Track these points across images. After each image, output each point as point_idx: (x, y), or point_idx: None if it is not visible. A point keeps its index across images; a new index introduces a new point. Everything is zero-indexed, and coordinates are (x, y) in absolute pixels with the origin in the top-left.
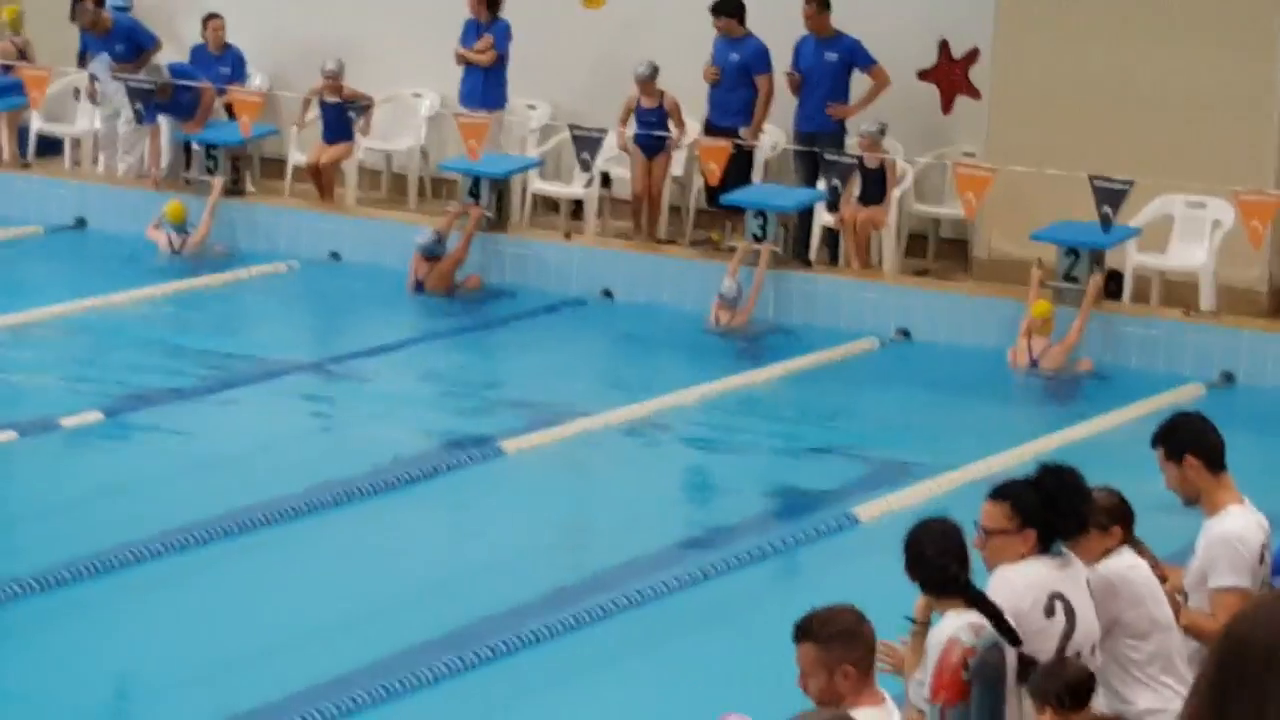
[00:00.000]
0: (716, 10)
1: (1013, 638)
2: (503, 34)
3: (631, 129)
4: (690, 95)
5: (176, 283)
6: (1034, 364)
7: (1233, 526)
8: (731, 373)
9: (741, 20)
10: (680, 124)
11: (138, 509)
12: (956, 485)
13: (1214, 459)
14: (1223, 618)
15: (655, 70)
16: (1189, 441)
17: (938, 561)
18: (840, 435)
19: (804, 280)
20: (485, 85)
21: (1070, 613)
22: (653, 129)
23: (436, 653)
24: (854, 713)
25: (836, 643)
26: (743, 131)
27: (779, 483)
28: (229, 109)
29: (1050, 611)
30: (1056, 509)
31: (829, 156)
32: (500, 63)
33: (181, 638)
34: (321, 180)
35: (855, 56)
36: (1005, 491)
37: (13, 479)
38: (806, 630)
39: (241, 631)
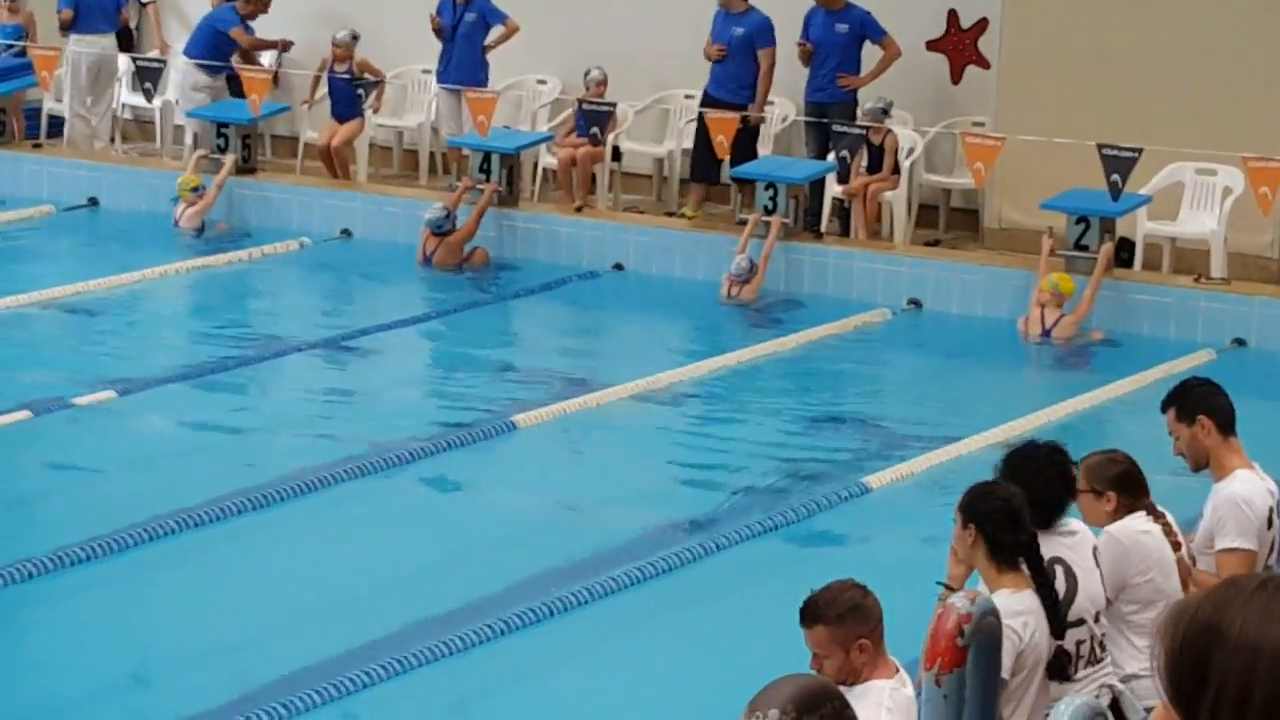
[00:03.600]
0: None
1: (1057, 629)
2: (485, 11)
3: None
4: (694, 68)
5: (188, 261)
6: (1046, 334)
7: (1240, 489)
8: (743, 344)
9: None
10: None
11: (152, 486)
12: (968, 453)
13: (1225, 422)
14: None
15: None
16: (1201, 403)
17: (1026, 527)
18: (852, 405)
19: (815, 252)
20: (467, 62)
21: (1071, 576)
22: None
23: (448, 626)
24: (870, 683)
25: (849, 619)
26: (750, 108)
27: (791, 453)
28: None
29: (1050, 576)
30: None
31: (837, 128)
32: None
33: (198, 613)
34: (332, 161)
35: (866, 28)
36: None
37: (28, 458)
38: (815, 613)
39: (256, 607)
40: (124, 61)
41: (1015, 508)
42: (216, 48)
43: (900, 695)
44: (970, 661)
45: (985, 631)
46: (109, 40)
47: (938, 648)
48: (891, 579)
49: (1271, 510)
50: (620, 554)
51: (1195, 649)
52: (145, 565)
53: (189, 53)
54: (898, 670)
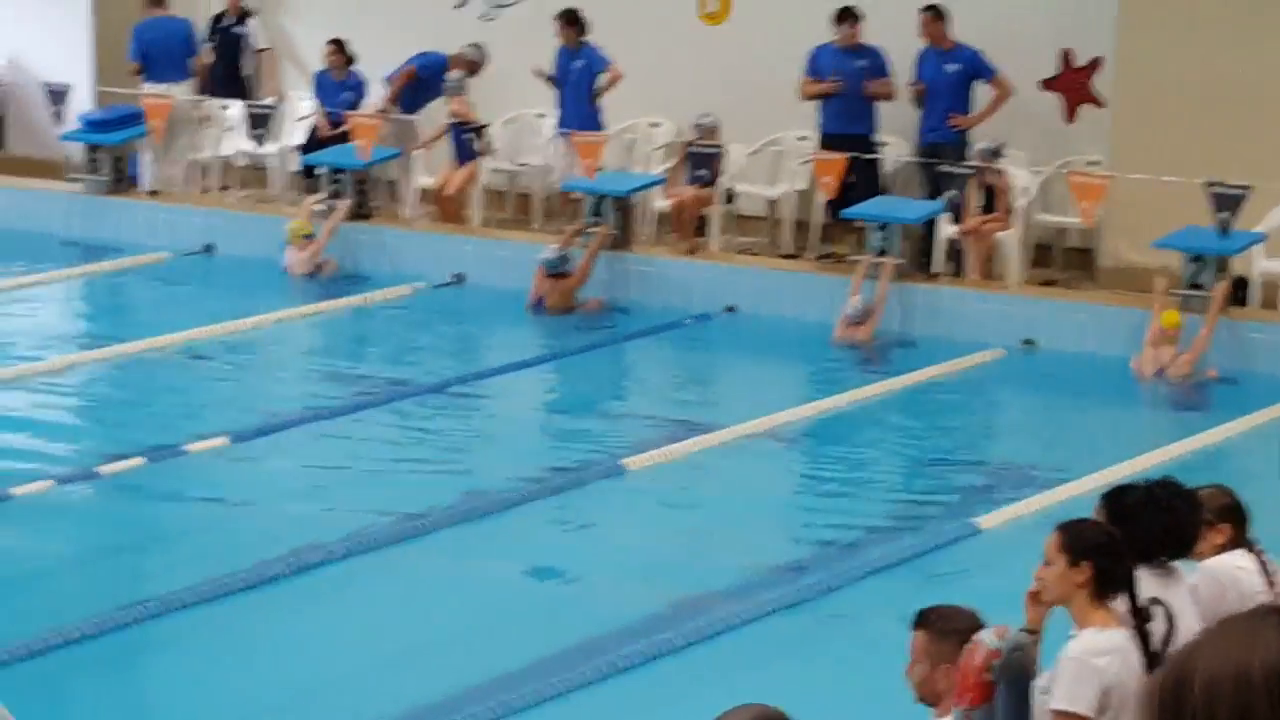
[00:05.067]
0: (841, 18)
1: (1151, 666)
2: (591, 59)
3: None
4: (807, 109)
5: (301, 307)
6: (1160, 373)
7: None
8: (855, 385)
9: (856, 25)
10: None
11: (266, 529)
12: (1080, 493)
13: None
14: None
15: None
16: None
17: (1129, 558)
18: (964, 446)
19: (928, 292)
20: (579, 108)
21: (1170, 617)
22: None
23: (565, 665)
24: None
25: (948, 641)
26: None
27: (902, 495)
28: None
29: (1149, 616)
30: (1136, 521)
31: (944, 169)
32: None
33: (307, 656)
34: (447, 205)
35: (976, 67)
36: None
37: (141, 504)
38: (924, 619)
39: (379, 644)
40: (236, 108)
41: (1119, 540)
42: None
43: None
44: (1000, 696)
45: (1014, 667)
46: (180, 89)
47: (966, 683)
48: (999, 620)
49: None
50: (728, 595)
51: (1167, 709)
52: (262, 609)
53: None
54: None
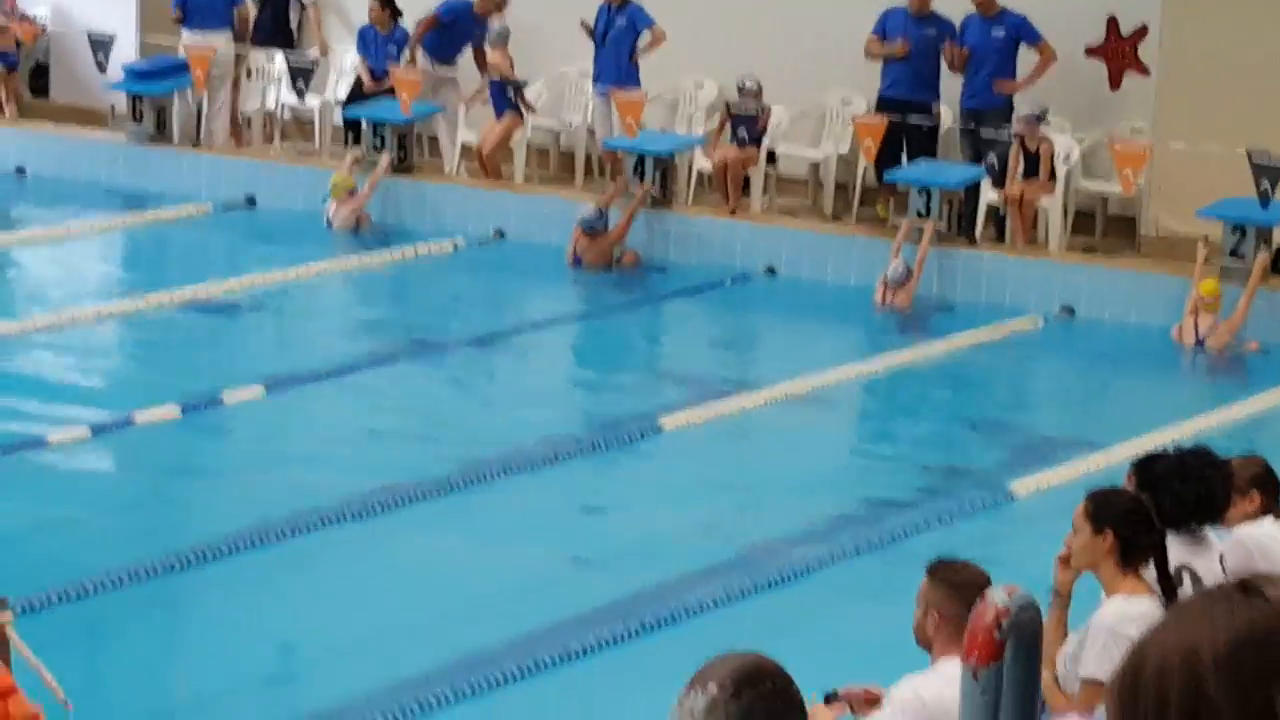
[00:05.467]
0: None
1: None
2: (635, 17)
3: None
4: (852, 70)
5: (343, 260)
6: (1200, 342)
7: None
8: (894, 349)
9: None
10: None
11: (304, 480)
12: (1115, 462)
13: None
14: None
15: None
16: None
17: (1158, 527)
18: (1001, 412)
19: (969, 257)
20: (618, 66)
21: (1198, 583)
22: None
23: (597, 624)
24: (941, 663)
25: (941, 588)
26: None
27: (938, 459)
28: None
29: (1178, 582)
30: (1166, 487)
31: (986, 135)
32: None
33: (346, 607)
34: (485, 161)
35: (1022, 32)
36: (1138, 460)
37: (175, 454)
38: (933, 565)
39: (407, 600)
40: (280, 60)
41: (1145, 509)
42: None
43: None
44: (1009, 656)
45: (1024, 626)
46: (222, 37)
47: (975, 641)
48: (1032, 586)
49: None
50: (762, 557)
51: (1125, 700)
52: (289, 561)
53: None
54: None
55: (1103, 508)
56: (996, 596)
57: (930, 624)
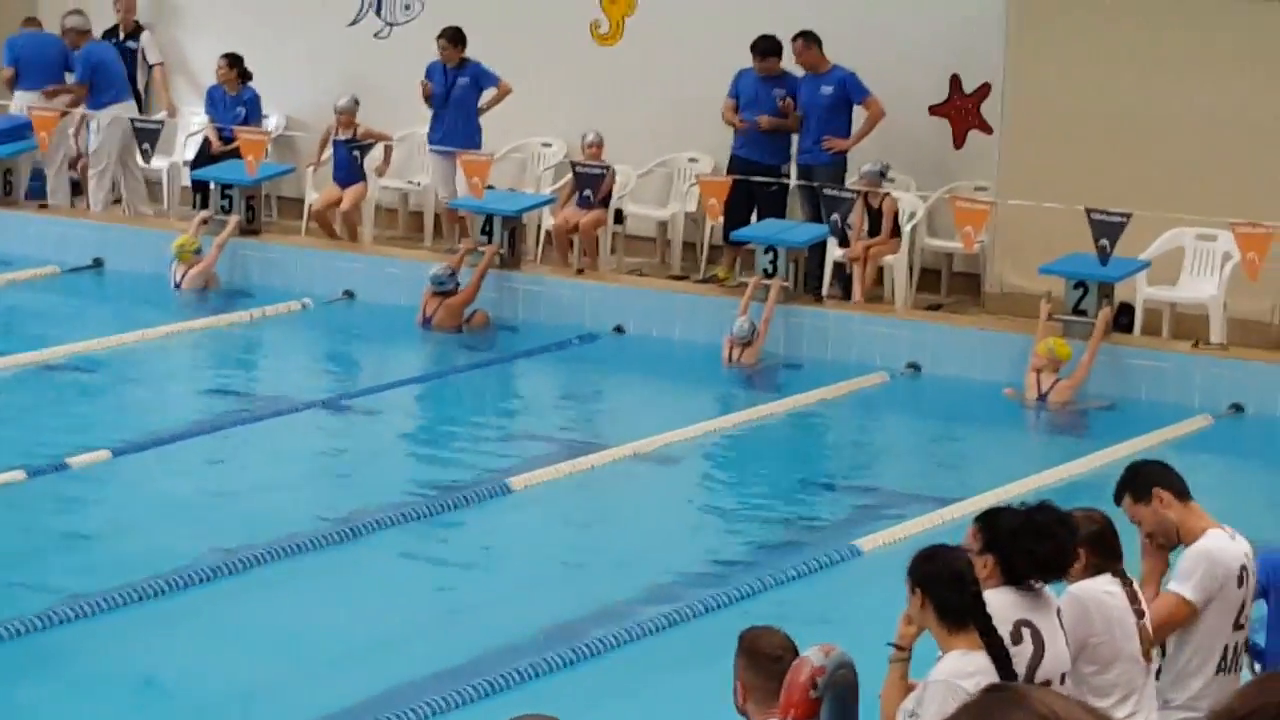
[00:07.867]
0: (764, 50)
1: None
2: (478, 75)
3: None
4: (698, 132)
5: (191, 322)
6: (1043, 398)
7: (1212, 545)
8: (742, 407)
9: (780, 57)
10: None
11: (151, 543)
12: (961, 516)
13: (1181, 489)
14: (1157, 614)
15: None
16: (1151, 479)
17: (970, 587)
18: (848, 469)
19: (815, 315)
20: (461, 126)
21: (1038, 639)
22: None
23: (442, 684)
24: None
25: (743, 658)
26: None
27: (785, 515)
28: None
29: (1017, 638)
30: (1014, 544)
31: (828, 192)
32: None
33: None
34: (330, 224)
35: (849, 89)
36: (984, 515)
37: (20, 519)
38: (741, 634)
39: (256, 664)
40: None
41: (958, 569)
42: None
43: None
44: (825, 714)
45: (840, 684)
46: (56, 100)
47: (790, 700)
48: (879, 641)
49: (1243, 569)
50: (608, 615)
51: None
52: (137, 624)
53: None
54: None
55: (914, 568)
56: (813, 655)
57: (739, 693)
